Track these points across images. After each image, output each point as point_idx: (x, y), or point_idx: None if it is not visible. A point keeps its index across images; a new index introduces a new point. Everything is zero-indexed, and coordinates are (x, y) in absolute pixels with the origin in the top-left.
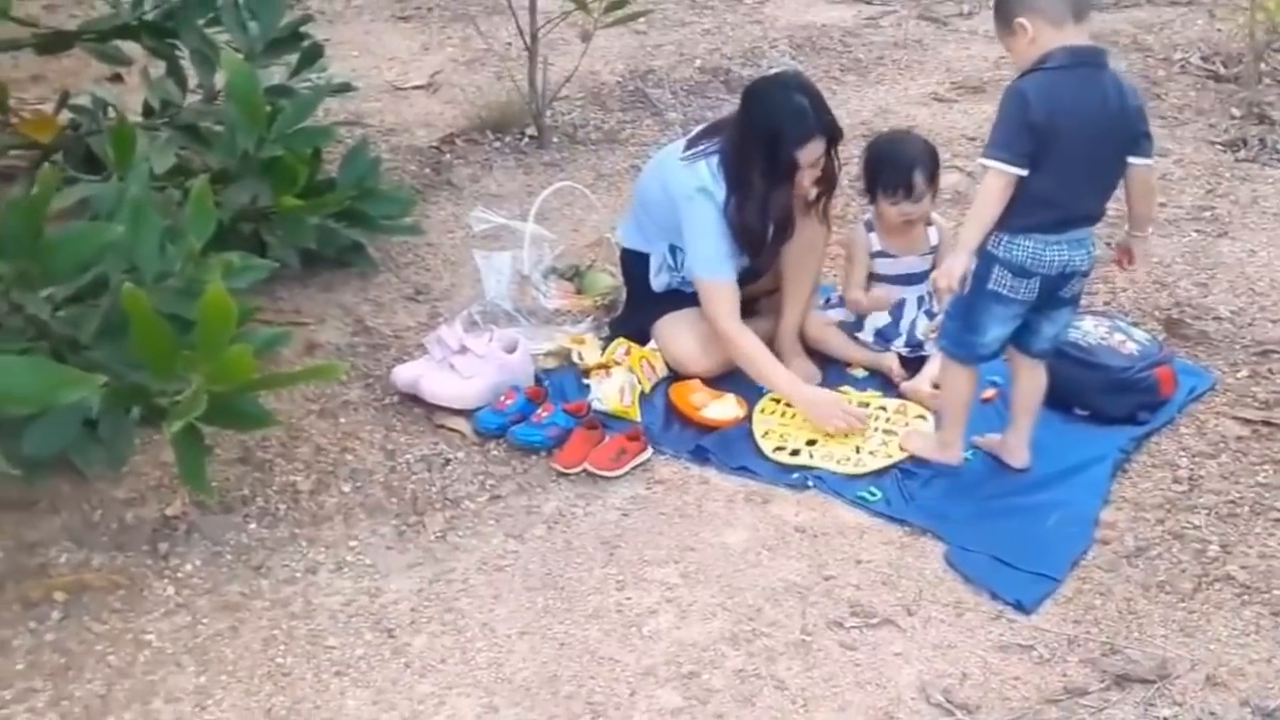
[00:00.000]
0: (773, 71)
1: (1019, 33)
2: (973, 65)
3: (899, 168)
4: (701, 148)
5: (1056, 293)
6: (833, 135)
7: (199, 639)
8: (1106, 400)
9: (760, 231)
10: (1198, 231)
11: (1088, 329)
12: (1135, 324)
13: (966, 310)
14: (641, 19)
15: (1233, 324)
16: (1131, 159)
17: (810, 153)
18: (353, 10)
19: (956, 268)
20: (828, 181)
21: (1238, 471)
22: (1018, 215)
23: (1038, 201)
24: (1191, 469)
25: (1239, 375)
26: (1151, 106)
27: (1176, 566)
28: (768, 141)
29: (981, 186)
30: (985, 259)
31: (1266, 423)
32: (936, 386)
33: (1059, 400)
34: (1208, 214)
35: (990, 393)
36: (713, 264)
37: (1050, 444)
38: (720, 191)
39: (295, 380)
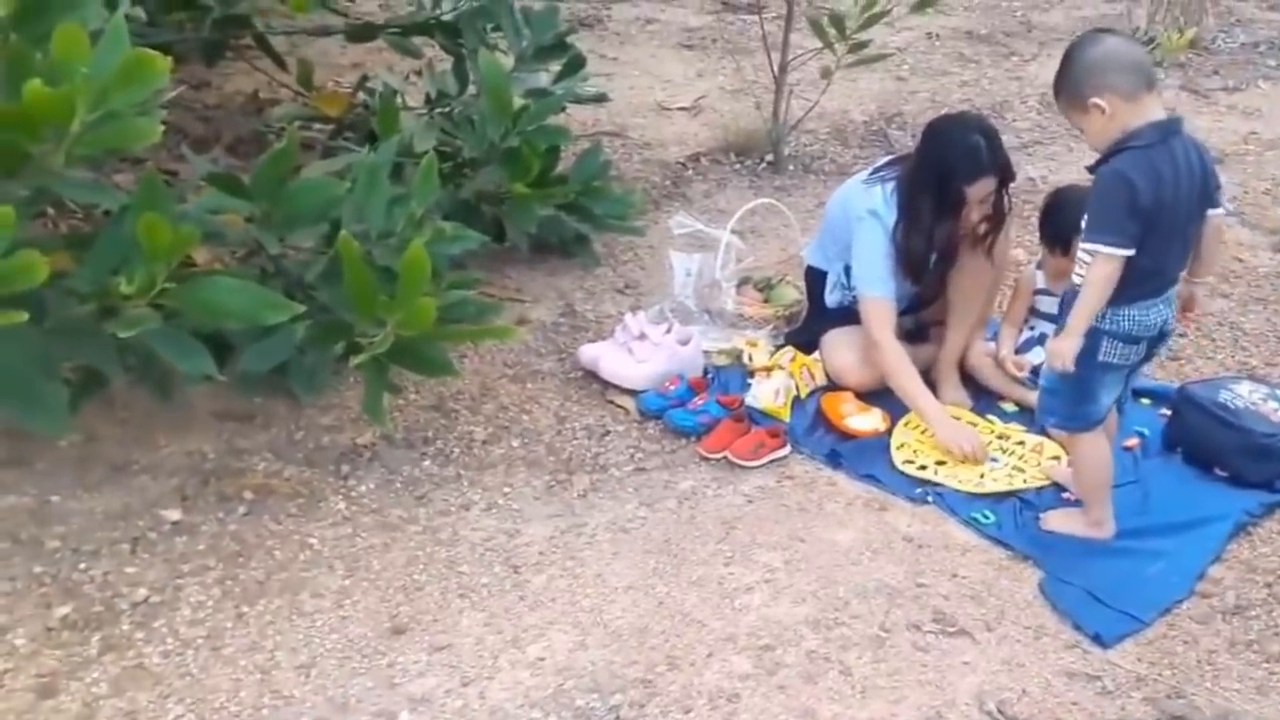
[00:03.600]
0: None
1: (1094, 113)
2: (1220, 137)
3: (1061, 229)
4: (882, 174)
5: (1153, 350)
6: (1005, 176)
7: (354, 549)
8: (1245, 463)
9: (922, 258)
10: None
11: (1241, 392)
12: None
13: (1078, 386)
14: (905, 65)
15: None
16: (1209, 211)
17: (979, 190)
18: (645, 34)
19: (1069, 350)
20: (996, 220)
21: None
22: (1123, 290)
23: (1142, 275)
24: None
25: None
26: None
27: (1271, 629)
28: (939, 174)
29: (1090, 272)
30: (1092, 334)
31: None
32: None
33: (1200, 458)
34: None
35: (1132, 441)
36: (873, 282)
37: (1177, 496)
38: (891, 216)
39: (472, 336)
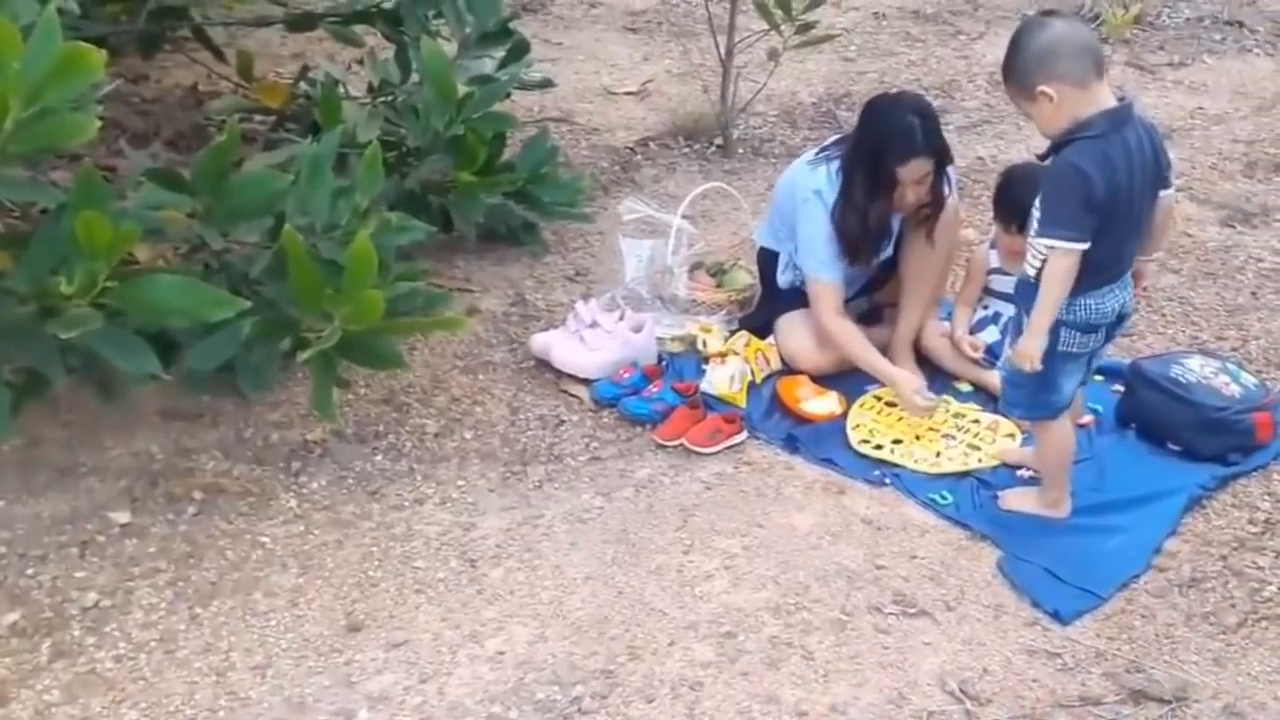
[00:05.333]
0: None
1: (1042, 101)
2: (1166, 112)
3: (1016, 206)
4: (828, 154)
5: (1112, 334)
6: (940, 159)
7: (307, 546)
8: (1197, 438)
9: (857, 238)
10: None
11: (1193, 366)
12: (1258, 372)
13: (1039, 377)
14: (852, 46)
15: None
16: (1161, 192)
17: (912, 171)
18: (589, 19)
19: (1035, 350)
20: (934, 203)
21: None
22: (1080, 280)
23: (1100, 265)
24: (1270, 514)
25: None
26: None
27: (1227, 601)
28: (872, 153)
29: (1048, 268)
30: (1051, 326)
31: None
32: None
33: (1153, 433)
34: None
35: (1086, 419)
36: (818, 265)
37: (1132, 472)
38: (833, 196)
39: (421, 328)
